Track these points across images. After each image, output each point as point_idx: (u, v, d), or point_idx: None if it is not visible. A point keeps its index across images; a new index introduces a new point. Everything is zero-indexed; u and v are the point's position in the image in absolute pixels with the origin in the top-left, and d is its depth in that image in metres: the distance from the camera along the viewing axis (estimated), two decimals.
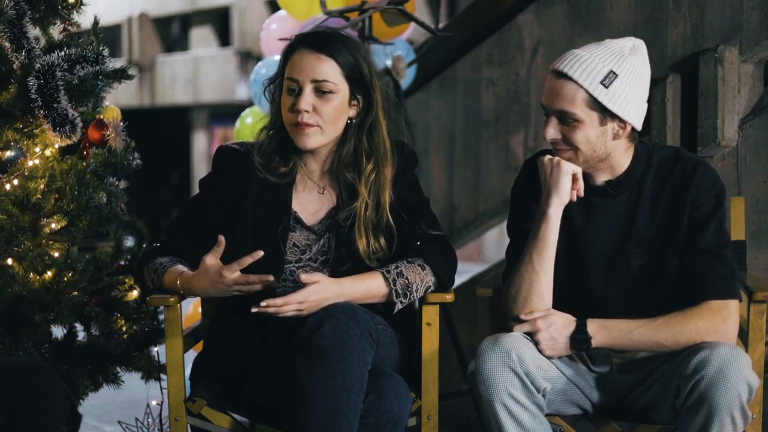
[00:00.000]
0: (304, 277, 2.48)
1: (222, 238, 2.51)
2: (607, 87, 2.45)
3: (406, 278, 2.57)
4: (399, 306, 2.57)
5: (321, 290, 2.49)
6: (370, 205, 2.61)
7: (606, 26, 3.89)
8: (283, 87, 2.63)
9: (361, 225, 2.60)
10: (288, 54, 2.63)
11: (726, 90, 3.31)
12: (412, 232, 2.64)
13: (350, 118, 2.63)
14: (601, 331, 2.45)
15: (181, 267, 2.60)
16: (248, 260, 2.48)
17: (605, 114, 2.47)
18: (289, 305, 2.47)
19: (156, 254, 2.65)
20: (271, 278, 2.50)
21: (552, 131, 2.51)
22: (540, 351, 2.47)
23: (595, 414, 2.59)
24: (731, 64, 3.30)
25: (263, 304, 2.46)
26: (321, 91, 2.57)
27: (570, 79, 2.46)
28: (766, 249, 3.19)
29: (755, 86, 3.35)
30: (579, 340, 2.46)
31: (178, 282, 2.56)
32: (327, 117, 2.58)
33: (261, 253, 2.48)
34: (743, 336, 2.56)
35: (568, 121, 2.48)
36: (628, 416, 2.57)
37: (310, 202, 2.68)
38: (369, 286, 2.57)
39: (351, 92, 2.60)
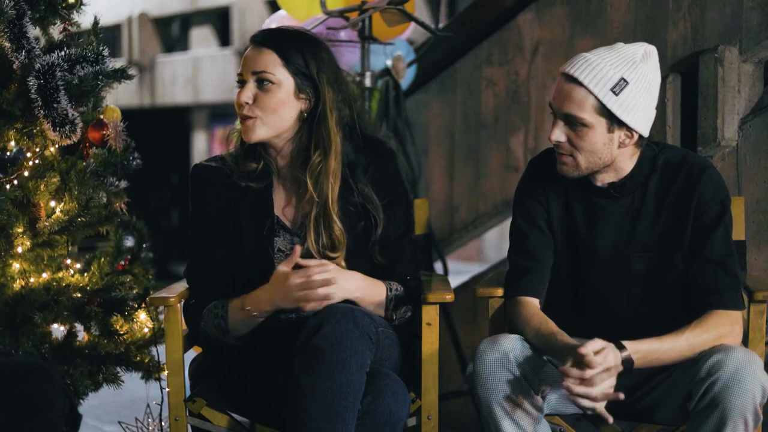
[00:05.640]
0: (300, 260, 2.53)
1: (298, 247, 2.54)
2: (617, 94, 2.43)
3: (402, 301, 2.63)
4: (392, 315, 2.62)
5: (335, 268, 2.53)
6: (317, 201, 2.59)
7: (606, 26, 3.88)
8: None
9: (311, 220, 2.59)
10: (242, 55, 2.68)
11: (726, 90, 3.30)
12: (383, 236, 2.65)
13: (303, 112, 2.62)
14: (640, 359, 2.39)
15: (235, 299, 2.60)
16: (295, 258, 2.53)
17: (613, 121, 2.46)
18: (324, 267, 2.51)
19: (200, 309, 2.64)
20: (331, 274, 2.52)
21: (558, 133, 2.50)
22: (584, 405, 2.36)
23: (595, 414, 2.59)
24: (731, 64, 3.29)
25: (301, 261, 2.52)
26: (262, 82, 2.59)
27: (580, 84, 2.44)
28: (766, 249, 3.19)
29: (755, 86, 3.35)
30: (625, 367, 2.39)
31: (243, 302, 2.57)
32: (267, 108, 2.58)
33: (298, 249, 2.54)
34: (743, 336, 2.56)
35: (575, 125, 2.47)
36: (628, 416, 2.57)
37: (290, 205, 2.68)
38: (372, 283, 2.60)
39: (297, 85, 2.60)
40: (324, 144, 2.60)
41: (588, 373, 2.29)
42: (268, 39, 2.62)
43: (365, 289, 2.58)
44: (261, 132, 2.60)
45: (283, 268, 2.53)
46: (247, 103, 2.59)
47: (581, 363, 2.31)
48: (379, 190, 2.65)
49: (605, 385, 2.31)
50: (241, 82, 2.62)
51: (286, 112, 2.61)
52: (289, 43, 2.61)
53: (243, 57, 2.64)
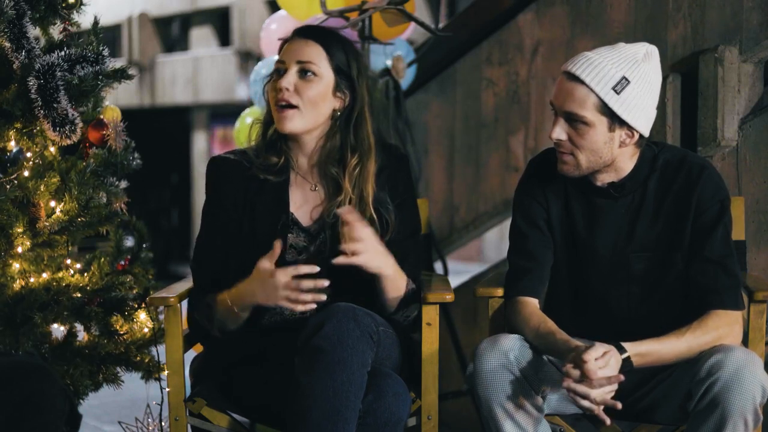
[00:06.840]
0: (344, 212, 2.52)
1: (278, 243, 2.51)
2: (618, 93, 2.43)
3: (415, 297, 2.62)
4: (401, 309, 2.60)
5: (373, 236, 2.52)
6: (354, 200, 2.61)
7: (606, 26, 3.89)
8: None
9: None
10: (282, 45, 2.68)
11: (726, 90, 3.30)
12: (391, 237, 2.65)
13: (336, 111, 2.64)
14: (639, 360, 2.40)
15: (224, 292, 2.59)
16: (304, 269, 2.48)
17: (614, 120, 2.46)
18: (359, 231, 2.48)
19: (200, 297, 2.64)
20: (326, 283, 2.48)
21: (559, 131, 2.50)
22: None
23: (595, 414, 2.59)
24: (731, 64, 3.29)
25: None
26: (304, 72, 2.60)
27: (582, 82, 2.44)
28: (766, 249, 3.19)
29: (755, 86, 3.34)
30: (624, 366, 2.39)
31: (227, 295, 2.55)
32: (307, 99, 2.60)
33: (326, 283, 2.48)
34: (743, 336, 2.56)
35: (576, 123, 2.47)
36: (628, 416, 2.57)
37: (305, 202, 2.68)
38: (399, 269, 2.59)
39: (336, 83, 2.62)
40: (363, 146, 2.63)
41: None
42: (315, 33, 2.66)
43: (394, 269, 2.58)
44: (298, 123, 2.61)
45: (265, 264, 2.49)
46: (287, 89, 2.60)
47: (582, 369, 2.31)
48: (392, 194, 2.66)
49: (605, 389, 2.31)
50: (280, 71, 2.63)
51: (323, 106, 2.62)
52: (334, 41, 2.64)
53: (285, 47, 2.65)
